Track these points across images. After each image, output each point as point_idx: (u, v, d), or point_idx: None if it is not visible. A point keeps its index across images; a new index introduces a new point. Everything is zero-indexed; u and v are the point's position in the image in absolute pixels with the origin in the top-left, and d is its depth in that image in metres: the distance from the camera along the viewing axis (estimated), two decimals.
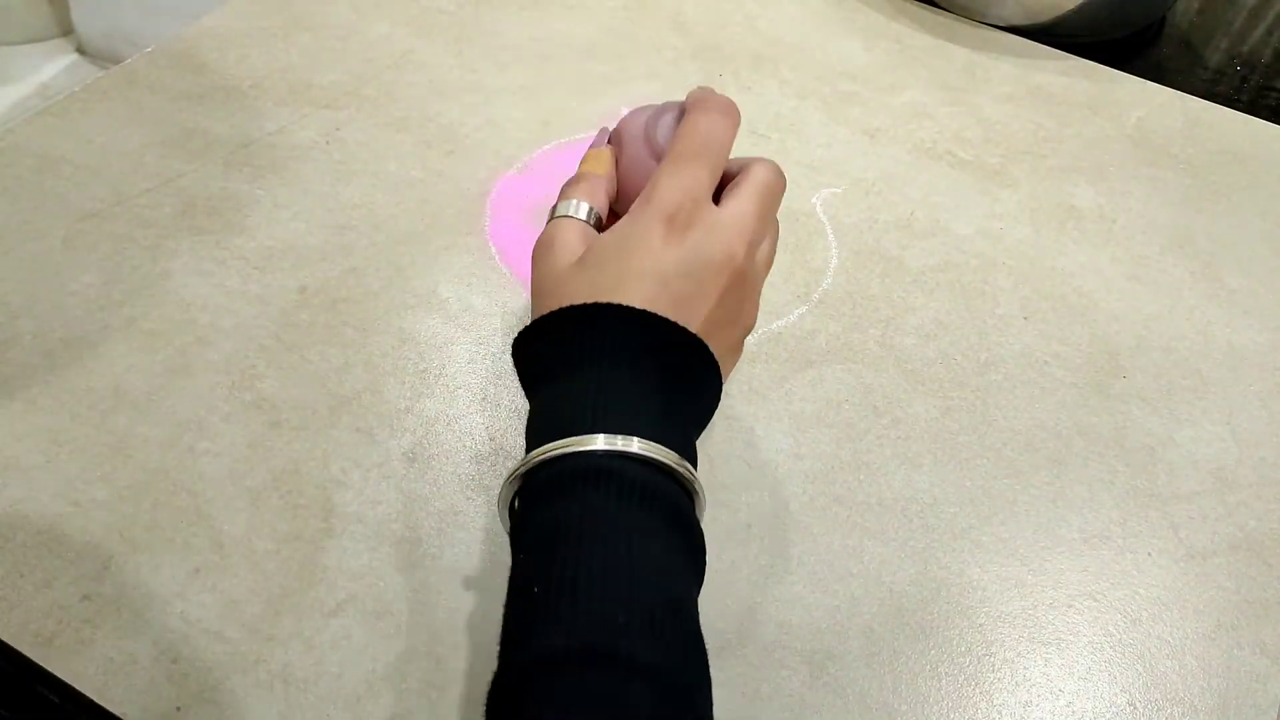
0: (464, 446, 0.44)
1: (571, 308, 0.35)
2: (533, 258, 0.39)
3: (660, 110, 0.41)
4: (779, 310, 0.52)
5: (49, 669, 0.36)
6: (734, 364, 0.39)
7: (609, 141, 0.42)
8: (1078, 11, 0.70)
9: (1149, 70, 0.72)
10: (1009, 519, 0.44)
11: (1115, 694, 0.39)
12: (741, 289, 0.37)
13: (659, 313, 0.34)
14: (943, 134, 0.64)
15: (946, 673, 0.39)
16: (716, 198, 0.38)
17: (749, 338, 0.50)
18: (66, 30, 1.67)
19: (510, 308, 0.50)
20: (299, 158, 0.57)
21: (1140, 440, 0.48)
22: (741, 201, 0.37)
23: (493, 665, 0.37)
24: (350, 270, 0.51)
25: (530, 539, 0.32)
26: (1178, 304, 0.55)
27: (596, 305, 0.35)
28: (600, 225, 0.39)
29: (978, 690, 0.39)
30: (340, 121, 0.59)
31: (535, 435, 0.34)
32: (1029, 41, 0.73)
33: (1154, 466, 0.47)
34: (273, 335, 0.48)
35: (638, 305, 0.34)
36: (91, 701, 0.35)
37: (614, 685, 0.28)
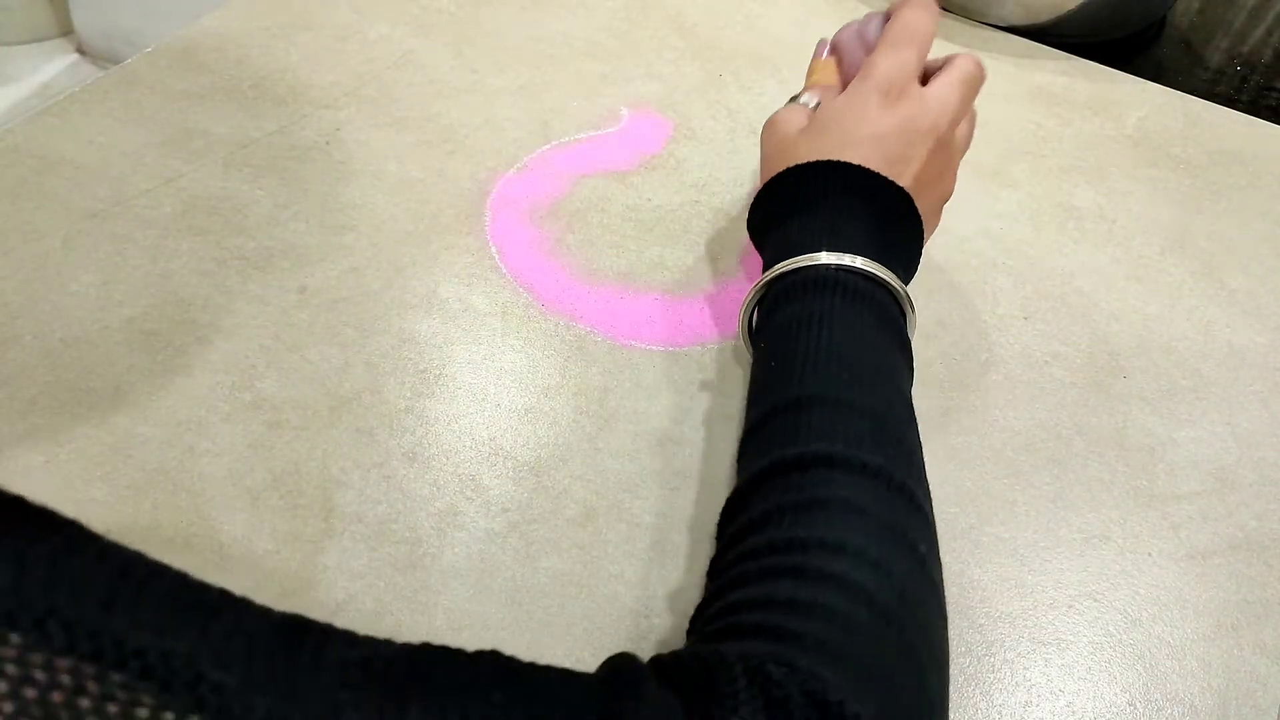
0: (464, 446, 0.44)
1: (798, 166, 0.41)
2: (762, 135, 0.46)
3: (869, 17, 0.47)
4: None
5: None
6: (934, 227, 0.46)
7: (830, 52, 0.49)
8: (1078, 11, 0.70)
9: (1149, 70, 0.72)
10: (1009, 519, 0.44)
11: (1115, 694, 0.39)
12: (944, 157, 0.44)
13: (875, 169, 0.40)
14: None
15: None
16: (923, 84, 0.44)
17: None
18: (66, 30, 1.67)
19: (510, 308, 0.50)
20: (299, 158, 0.57)
21: (1140, 440, 0.48)
22: (946, 83, 0.43)
23: None
24: (350, 270, 0.51)
25: (769, 333, 0.40)
26: (1178, 304, 0.55)
27: (821, 162, 0.41)
28: None
29: (978, 690, 0.39)
30: (340, 121, 0.59)
31: (770, 261, 0.41)
32: (1029, 41, 0.73)
33: (1154, 466, 0.47)
34: (273, 335, 0.48)
35: (857, 163, 0.40)
36: None
37: (840, 422, 0.34)
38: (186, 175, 0.55)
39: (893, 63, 0.42)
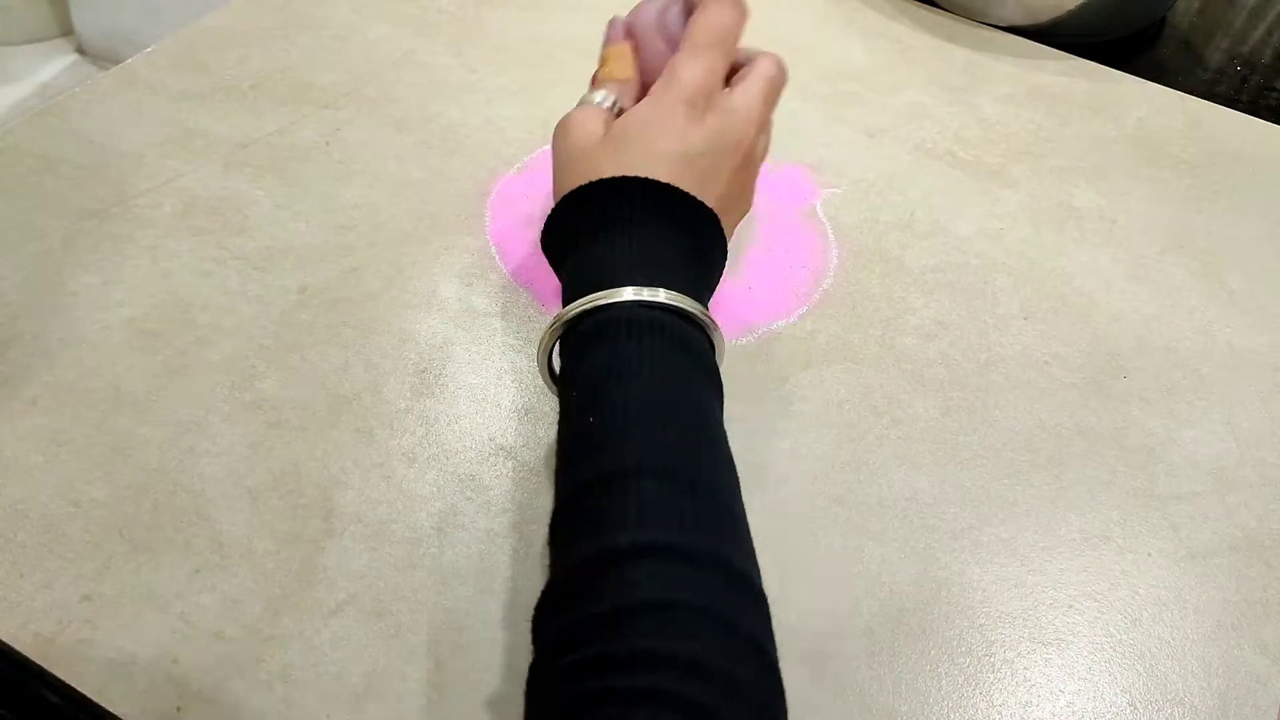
0: (464, 446, 0.44)
1: (603, 181, 0.38)
2: (554, 139, 0.42)
3: (666, 2, 0.44)
4: (779, 310, 0.52)
5: (49, 669, 0.36)
6: (730, 237, 0.43)
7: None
8: (1078, 11, 0.70)
9: (1149, 70, 0.72)
10: (1009, 519, 0.44)
11: (1115, 694, 0.39)
12: (748, 171, 0.42)
13: (685, 189, 0.38)
14: (943, 134, 0.64)
15: (946, 673, 0.39)
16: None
17: (748, 338, 0.50)
18: (66, 30, 1.67)
19: (510, 308, 0.50)
20: (299, 158, 0.57)
21: (1140, 440, 0.48)
22: (751, 90, 0.41)
23: (491, 665, 0.37)
24: (350, 270, 0.51)
25: (578, 382, 0.36)
26: (1178, 304, 0.55)
27: (627, 178, 0.38)
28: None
29: (978, 690, 0.39)
30: (340, 121, 0.59)
31: (570, 296, 0.38)
32: (1029, 41, 0.73)
33: (1154, 466, 0.47)
34: (273, 335, 0.48)
35: (665, 181, 0.38)
36: (91, 701, 0.35)
37: (670, 501, 0.31)
38: (186, 175, 0.55)
39: (698, 70, 0.40)
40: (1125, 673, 0.39)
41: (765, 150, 0.44)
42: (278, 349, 0.47)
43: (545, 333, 0.38)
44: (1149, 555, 0.43)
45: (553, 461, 0.44)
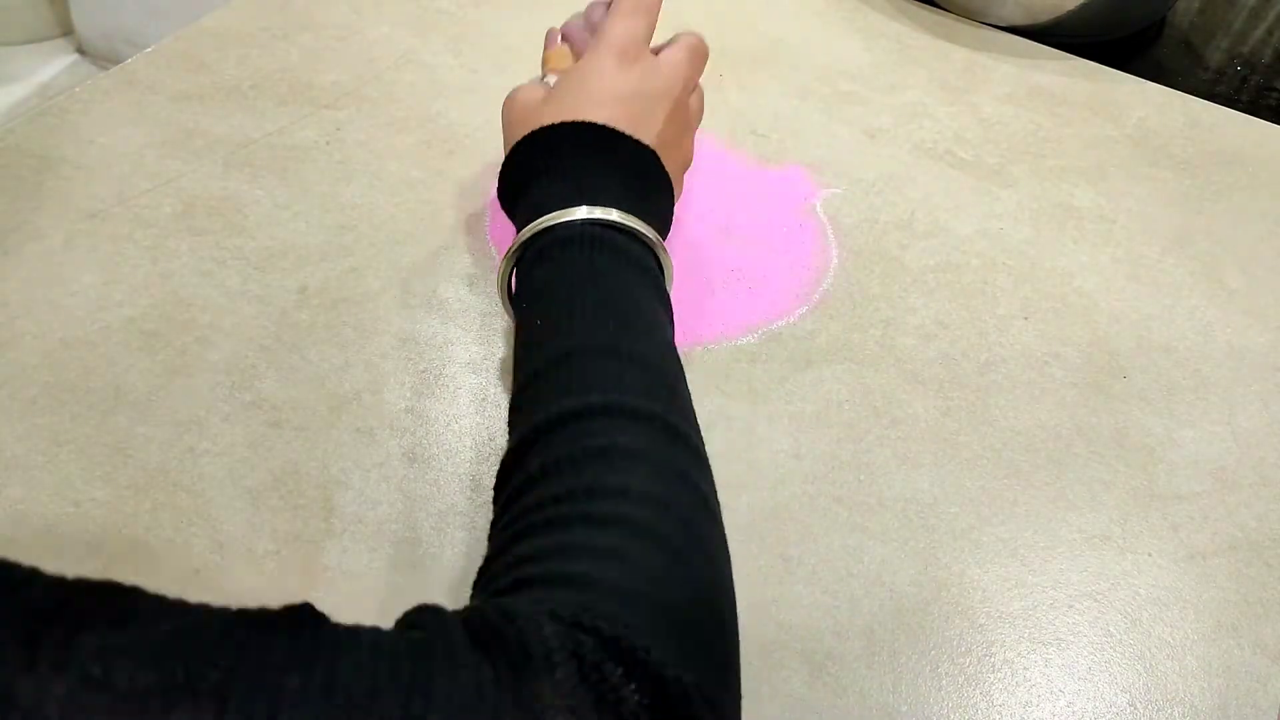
0: (464, 446, 0.44)
1: (542, 128, 0.41)
2: (502, 112, 0.46)
3: (593, 5, 0.49)
4: (779, 310, 0.52)
5: None
6: (679, 193, 0.45)
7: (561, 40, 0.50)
8: (1078, 11, 0.70)
9: (1149, 70, 0.72)
10: (1009, 519, 0.44)
11: (1115, 694, 0.39)
12: (682, 120, 0.45)
13: (619, 129, 0.41)
14: (943, 134, 0.64)
15: (946, 673, 0.39)
16: None
17: (748, 338, 0.50)
18: (66, 30, 1.67)
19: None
20: (299, 158, 0.57)
21: (1140, 440, 0.48)
22: (675, 51, 0.45)
23: None
24: (350, 270, 0.51)
25: (529, 293, 0.39)
26: (1178, 304, 0.55)
27: (565, 123, 0.41)
28: None
29: (978, 690, 0.39)
30: (340, 121, 0.59)
31: (522, 224, 0.40)
32: (1029, 41, 0.73)
33: (1154, 466, 0.47)
34: (273, 335, 0.48)
35: (601, 122, 0.41)
36: None
37: (613, 372, 0.34)
38: (186, 175, 0.55)
39: (626, 27, 0.43)
40: (1125, 673, 0.39)
41: (699, 112, 0.48)
42: (278, 349, 0.47)
43: (501, 260, 0.41)
44: (1149, 555, 0.43)
45: None
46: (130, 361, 0.46)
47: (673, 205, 0.44)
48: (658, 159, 0.42)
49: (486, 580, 0.31)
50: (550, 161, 0.41)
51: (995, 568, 0.42)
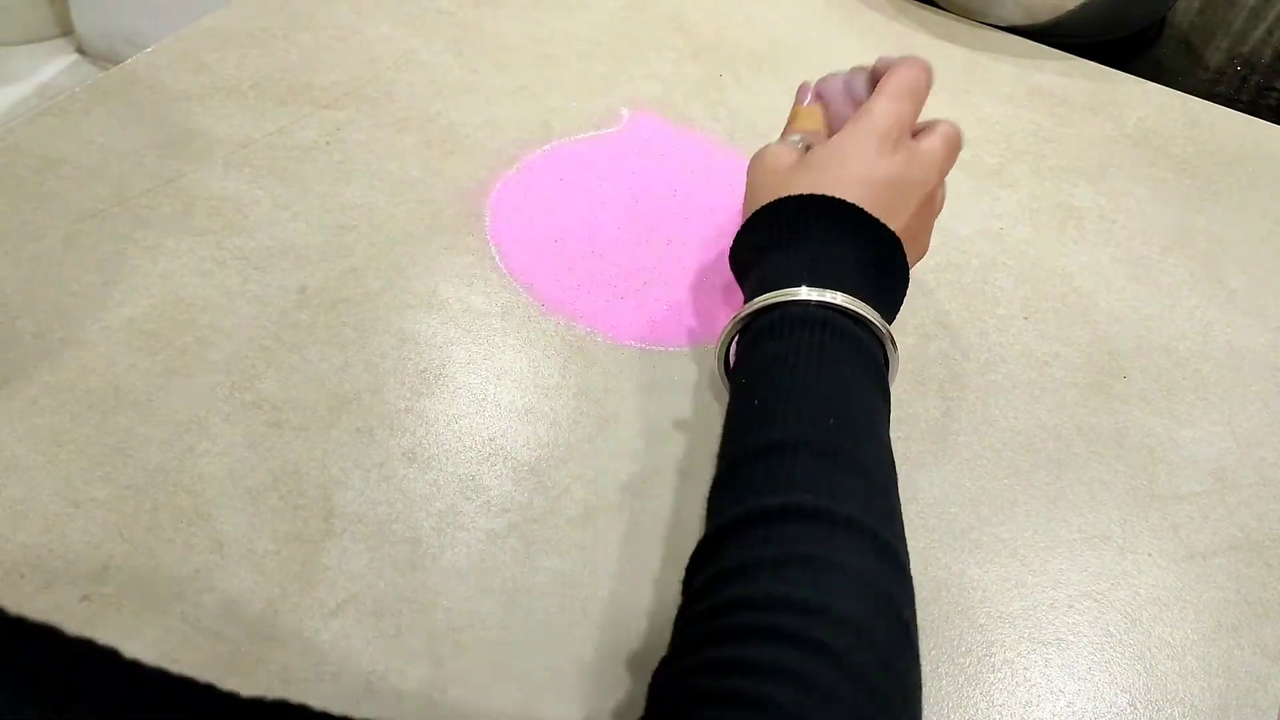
0: (464, 446, 0.44)
1: (792, 196, 0.40)
2: (750, 167, 0.45)
3: (852, 74, 0.47)
4: None
5: None
6: (907, 288, 0.43)
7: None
8: (1078, 11, 0.70)
9: (1149, 70, 0.72)
10: (1009, 519, 0.44)
11: (1115, 694, 0.39)
12: (929, 211, 0.44)
13: (868, 210, 0.39)
14: None
15: (946, 673, 0.39)
16: None
17: None
18: (66, 30, 1.67)
19: (510, 308, 0.50)
20: (299, 158, 0.57)
21: (1140, 440, 0.48)
22: (934, 140, 0.43)
23: (491, 665, 0.37)
24: (350, 270, 0.51)
25: (748, 369, 0.38)
26: (1178, 304, 0.55)
27: (814, 195, 0.40)
28: None
29: (978, 690, 0.39)
30: (340, 121, 0.59)
31: (752, 293, 0.40)
32: (1029, 41, 0.73)
33: (1154, 466, 0.47)
34: (273, 335, 0.48)
35: (851, 201, 0.40)
36: None
37: (825, 472, 0.32)
38: (186, 175, 0.55)
39: (893, 110, 0.42)
40: (1125, 673, 0.39)
41: (942, 203, 0.46)
42: (278, 349, 0.47)
43: (724, 329, 0.40)
44: (1149, 555, 0.43)
45: (553, 462, 0.44)
46: (130, 361, 0.46)
47: (904, 294, 0.42)
48: (900, 246, 0.40)
49: (669, 677, 0.30)
50: (794, 233, 0.40)
51: (995, 568, 0.42)
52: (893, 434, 0.46)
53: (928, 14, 0.76)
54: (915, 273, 0.54)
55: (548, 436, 0.45)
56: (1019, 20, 0.73)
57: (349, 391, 0.46)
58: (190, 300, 0.49)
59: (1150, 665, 0.40)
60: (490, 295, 0.51)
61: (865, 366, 0.37)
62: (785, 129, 0.48)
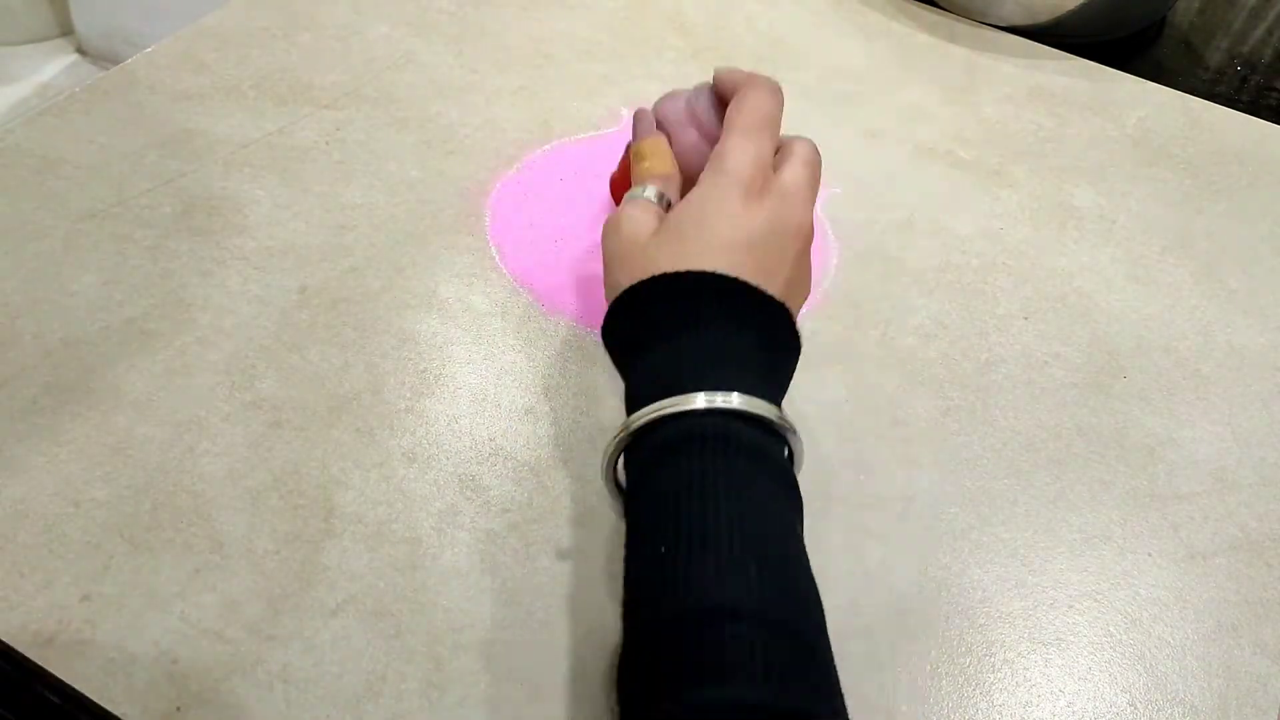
0: (464, 446, 0.44)
1: (662, 276, 0.36)
2: (604, 235, 0.40)
3: (694, 93, 0.43)
4: None
5: (49, 669, 0.36)
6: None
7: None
8: (1078, 11, 0.70)
9: (1149, 70, 0.72)
10: (1009, 519, 0.44)
11: (1115, 694, 0.39)
12: (805, 249, 0.39)
13: (745, 279, 0.35)
14: (943, 134, 0.64)
15: (946, 673, 0.39)
16: None
17: None
18: (66, 30, 1.67)
19: (510, 308, 0.50)
20: (299, 158, 0.57)
21: (1140, 440, 0.48)
22: (797, 170, 0.39)
23: (491, 665, 0.37)
24: (350, 270, 0.51)
25: (647, 502, 0.33)
26: (1178, 304, 0.55)
27: (688, 273, 0.35)
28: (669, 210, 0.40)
29: (978, 690, 0.39)
30: (340, 121, 0.59)
31: (635, 401, 0.35)
32: (1029, 41, 0.73)
33: (1154, 466, 0.47)
34: (273, 335, 0.48)
35: (724, 272, 0.35)
36: (91, 701, 0.35)
37: (761, 649, 0.29)
38: (186, 175, 0.55)
39: (750, 151, 0.37)
40: (1125, 673, 0.39)
41: (812, 229, 0.41)
42: (278, 349, 0.47)
43: (610, 442, 0.35)
44: (1149, 555, 0.43)
45: (553, 462, 0.44)
46: (130, 361, 0.46)
47: (797, 357, 0.39)
48: (789, 316, 0.37)
49: None
50: (672, 322, 0.36)
51: (995, 568, 0.42)
52: (893, 434, 0.47)
53: (928, 14, 0.76)
54: (915, 272, 0.54)
55: (548, 436, 0.45)
56: (1019, 20, 0.73)
57: (349, 391, 0.46)
58: (190, 300, 0.49)
59: (1150, 665, 0.40)
60: (490, 295, 0.51)
61: (778, 481, 0.34)
62: (632, 173, 0.43)
